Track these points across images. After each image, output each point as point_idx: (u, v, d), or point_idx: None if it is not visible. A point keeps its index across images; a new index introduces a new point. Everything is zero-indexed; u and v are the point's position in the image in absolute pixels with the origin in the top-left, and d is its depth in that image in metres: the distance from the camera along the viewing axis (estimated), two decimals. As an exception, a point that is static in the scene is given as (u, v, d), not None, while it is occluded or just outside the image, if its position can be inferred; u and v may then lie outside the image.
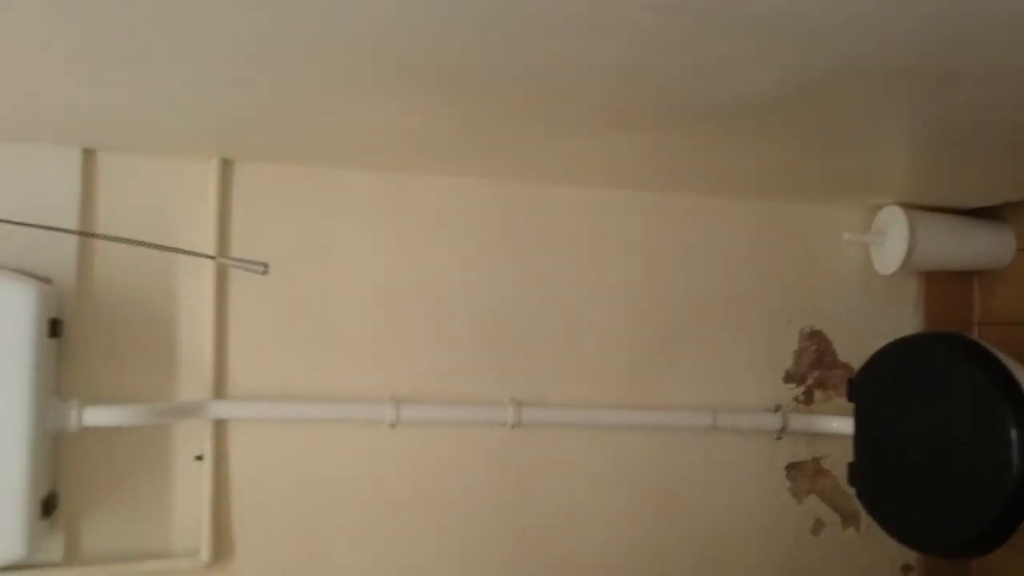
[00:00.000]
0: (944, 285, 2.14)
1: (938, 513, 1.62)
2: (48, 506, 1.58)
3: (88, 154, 1.72)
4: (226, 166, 1.79)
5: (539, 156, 1.72)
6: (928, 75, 1.16)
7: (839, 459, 2.05)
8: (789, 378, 2.07)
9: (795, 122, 1.41)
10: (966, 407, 1.58)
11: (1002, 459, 1.49)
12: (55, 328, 1.60)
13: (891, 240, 2.00)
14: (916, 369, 1.71)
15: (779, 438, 2.02)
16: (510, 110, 1.39)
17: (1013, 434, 1.48)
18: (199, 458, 1.75)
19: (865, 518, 2.07)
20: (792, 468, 2.06)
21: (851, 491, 1.89)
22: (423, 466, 1.87)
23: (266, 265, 1.56)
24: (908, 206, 2.00)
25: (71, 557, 1.68)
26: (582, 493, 1.94)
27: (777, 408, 2.02)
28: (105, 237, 1.61)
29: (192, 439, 1.75)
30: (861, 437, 1.84)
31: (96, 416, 1.60)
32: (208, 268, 1.76)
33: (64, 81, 1.28)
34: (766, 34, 1.02)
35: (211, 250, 1.74)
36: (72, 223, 1.68)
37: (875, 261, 2.07)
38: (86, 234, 1.67)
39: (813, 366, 2.08)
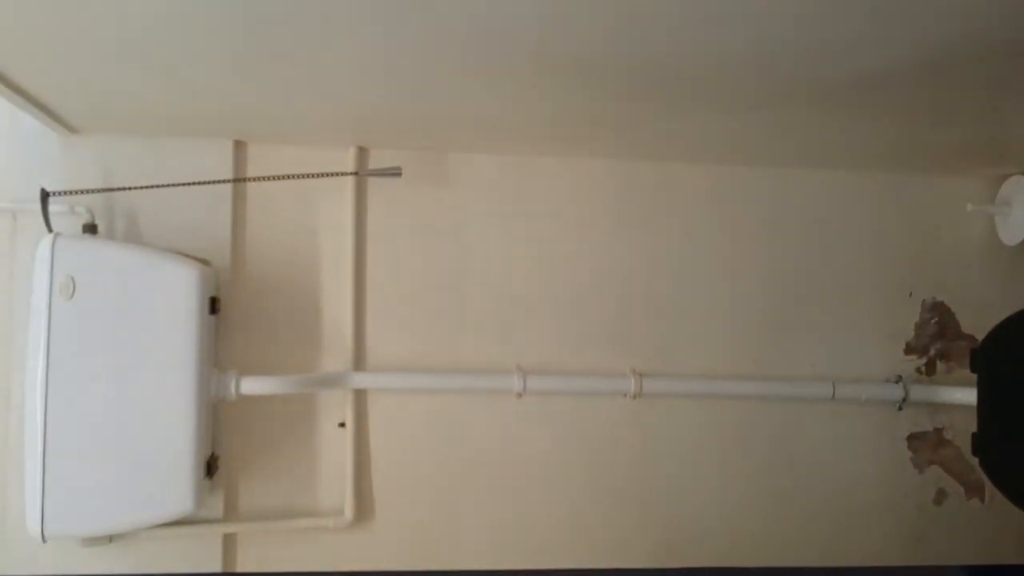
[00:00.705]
0: (1074, 256, 2.10)
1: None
2: (211, 467, 1.74)
3: (239, 145, 1.86)
4: (362, 153, 1.91)
5: (660, 135, 1.79)
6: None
7: (961, 430, 2.04)
8: (910, 350, 2.08)
9: (919, 97, 1.44)
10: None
11: None
12: (214, 306, 1.75)
13: (1016, 210, 1.98)
14: (1043, 340, 1.71)
15: (900, 408, 2.03)
16: (637, 95, 1.46)
17: None
18: (342, 425, 1.89)
19: (990, 489, 2.06)
20: (914, 439, 2.07)
21: (975, 462, 1.89)
22: (549, 434, 1.96)
23: (399, 168, 1.77)
24: (1034, 175, 1.98)
25: (230, 514, 1.85)
26: (703, 463, 2.01)
27: (898, 379, 2.03)
28: (256, 179, 1.77)
29: (335, 408, 1.89)
30: (985, 407, 1.84)
31: (252, 385, 1.75)
32: (346, 249, 1.89)
33: (229, 80, 1.41)
34: (889, 14, 1.05)
35: (349, 226, 1.89)
36: (227, 209, 1.84)
37: (1000, 232, 2.05)
38: (240, 180, 1.83)
39: (935, 337, 2.08)
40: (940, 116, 1.56)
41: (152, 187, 1.72)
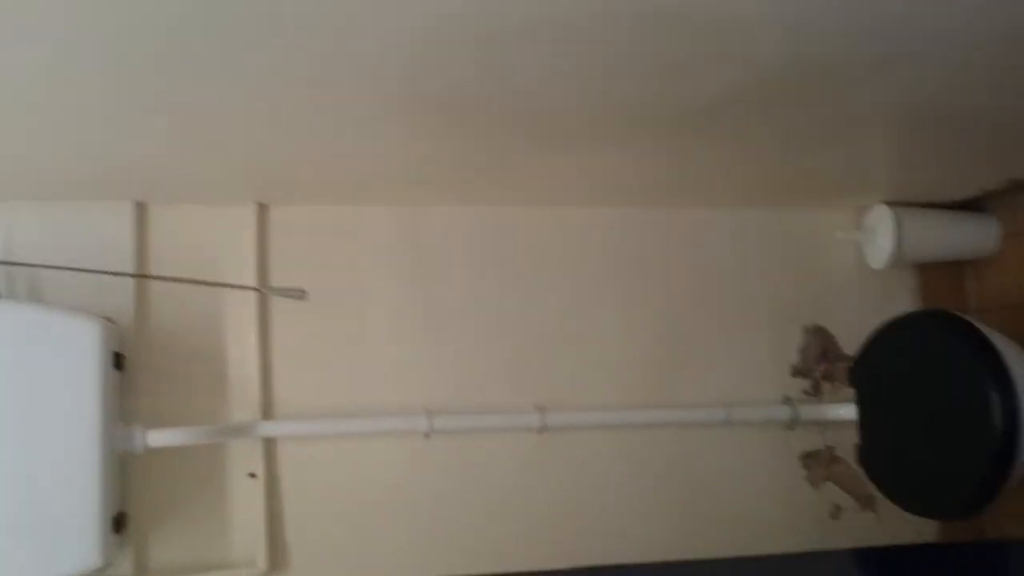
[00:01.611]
0: (938, 275, 2.27)
1: (935, 479, 1.74)
2: (119, 523, 1.75)
3: (139, 207, 1.92)
4: (262, 210, 1.98)
5: (535, 180, 1.92)
6: (862, 62, 1.31)
7: (851, 446, 2.15)
8: (796, 373, 2.20)
9: (765, 122, 1.57)
10: (952, 376, 1.71)
11: (985, 422, 1.61)
12: (119, 361, 1.78)
13: (880, 236, 2.14)
14: (905, 346, 1.84)
15: (791, 428, 2.14)
16: (496, 132, 1.57)
17: (994, 397, 1.61)
18: (252, 475, 1.91)
19: (882, 501, 2.17)
20: (807, 457, 2.18)
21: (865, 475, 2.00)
22: (458, 472, 2.01)
23: (303, 291, 1.75)
24: (894, 203, 2.14)
25: (140, 571, 1.84)
26: (608, 491, 2.08)
27: (786, 400, 2.14)
28: (159, 278, 1.81)
29: (245, 458, 1.92)
30: (864, 418, 1.96)
31: (159, 438, 1.77)
32: (251, 302, 1.94)
33: (107, 133, 1.48)
34: (715, 34, 1.18)
35: (252, 284, 1.93)
36: (129, 268, 1.88)
37: (868, 257, 2.21)
38: (142, 276, 1.87)
39: (818, 360, 2.21)
40: (788, 142, 1.70)
41: (53, 267, 1.75)
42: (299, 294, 1.76)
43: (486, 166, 1.81)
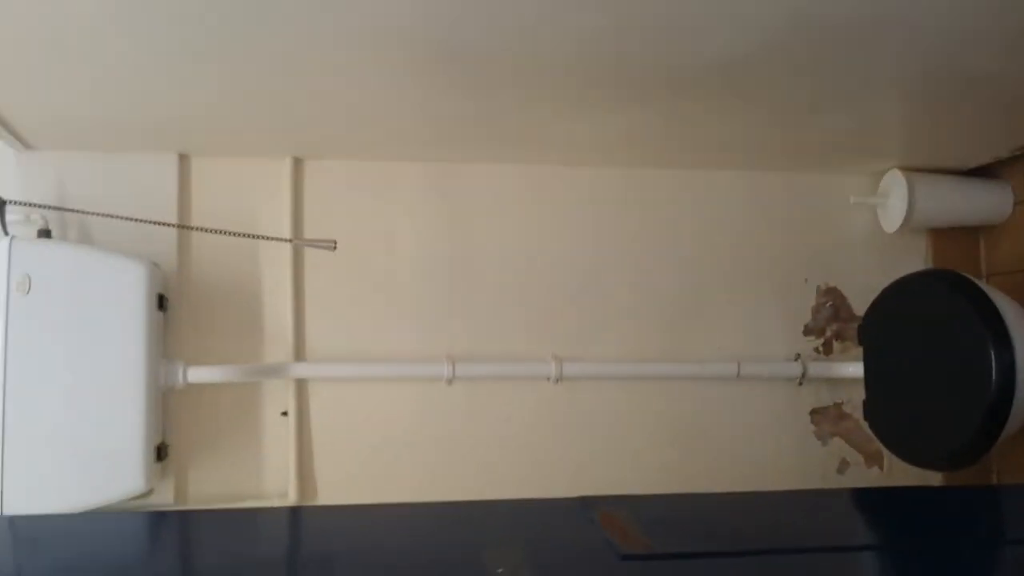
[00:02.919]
0: (950, 240, 2.32)
1: (934, 430, 1.81)
2: (161, 453, 1.88)
3: (183, 158, 2.04)
4: (297, 163, 2.09)
5: (557, 140, 2.00)
6: (868, 24, 1.37)
7: (859, 404, 2.21)
8: (808, 332, 2.27)
9: (776, 83, 1.63)
10: (952, 332, 1.77)
11: (982, 374, 1.68)
12: (162, 302, 1.90)
13: (894, 201, 2.20)
14: (910, 305, 1.91)
15: (800, 384, 2.21)
16: (517, 92, 1.66)
17: (991, 351, 1.67)
18: (284, 413, 2.03)
19: (888, 457, 2.25)
20: (816, 413, 2.26)
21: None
22: (477, 417, 2.12)
23: (334, 242, 1.85)
24: (909, 169, 2.20)
25: (180, 498, 1.98)
26: (620, 440, 2.17)
27: (797, 357, 2.22)
28: (200, 228, 1.92)
29: (278, 397, 2.04)
30: (870, 374, 2.03)
31: (198, 374, 1.89)
32: (285, 250, 2.05)
33: (157, 83, 1.58)
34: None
35: (287, 235, 2.04)
36: (172, 217, 1.99)
37: (882, 221, 2.27)
38: (184, 227, 1.98)
39: (830, 320, 2.28)
40: (796, 103, 1.75)
41: (102, 214, 1.86)
42: (330, 245, 1.86)
43: (510, 125, 1.89)
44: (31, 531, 1.23)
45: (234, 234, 1.91)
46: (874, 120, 1.91)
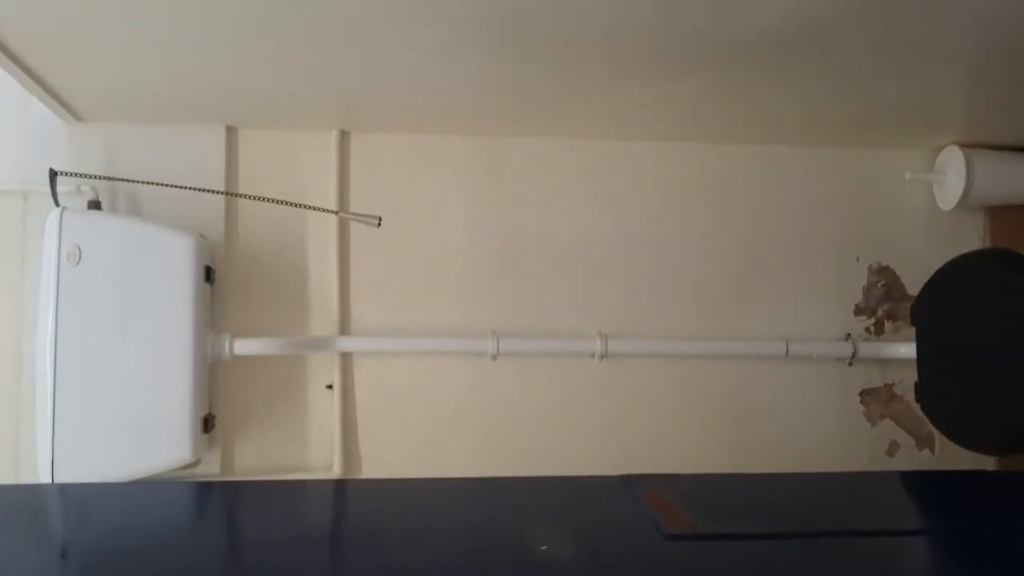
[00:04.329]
0: (1007, 219, 2.26)
1: (989, 413, 1.77)
2: (208, 424, 1.90)
3: (231, 131, 2.04)
4: (344, 136, 2.08)
5: (606, 113, 1.96)
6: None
7: (911, 386, 2.17)
8: (859, 311, 2.23)
9: (833, 53, 1.59)
10: (1011, 312, 1.72)
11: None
12: (209, 274, 1.91)
13: (951, 177, 2.14)
14: (968, 285, 1.85)
15: (850, 364, 2.17)
16: (565, 64, 1.62)
17: (1051, 333, 1.62)
18: (329, 387, 2.04)
19: (940, 440, 2.20)
20: (866, 394, 2.22)
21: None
22: (521, 393, 2.11)
23: (379, 218, 1.85)
24: (967, 145, 2.13)
25: (227, 469, 2.00)
26: (666, 418, 2.15)
27: (847, 336, 2.18)
28: (247, 196, 1.93)
29: (323, 370, 2.05)
30: (923, 355, 1.98)
31: (245, 346, 1.91)
32: (331, 224, 2.05)
33: (209, 56, 1.58)
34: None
35: (333, 207, 2.04)
36: (219, 188, 2.00)
37: (937, 198, 2.21)
38: (231, 194, 1.99)
39: (882, 299, 2.23)
40: (848, 78, 1.71)
41: (151, 183, 1.88)
42: (374, 222, 1.85)
43: (557, 98, 1.87)
44: (81, 499, 1.24)
45: (279, 202, 1.90)
46: (935, 94, 1.85)
